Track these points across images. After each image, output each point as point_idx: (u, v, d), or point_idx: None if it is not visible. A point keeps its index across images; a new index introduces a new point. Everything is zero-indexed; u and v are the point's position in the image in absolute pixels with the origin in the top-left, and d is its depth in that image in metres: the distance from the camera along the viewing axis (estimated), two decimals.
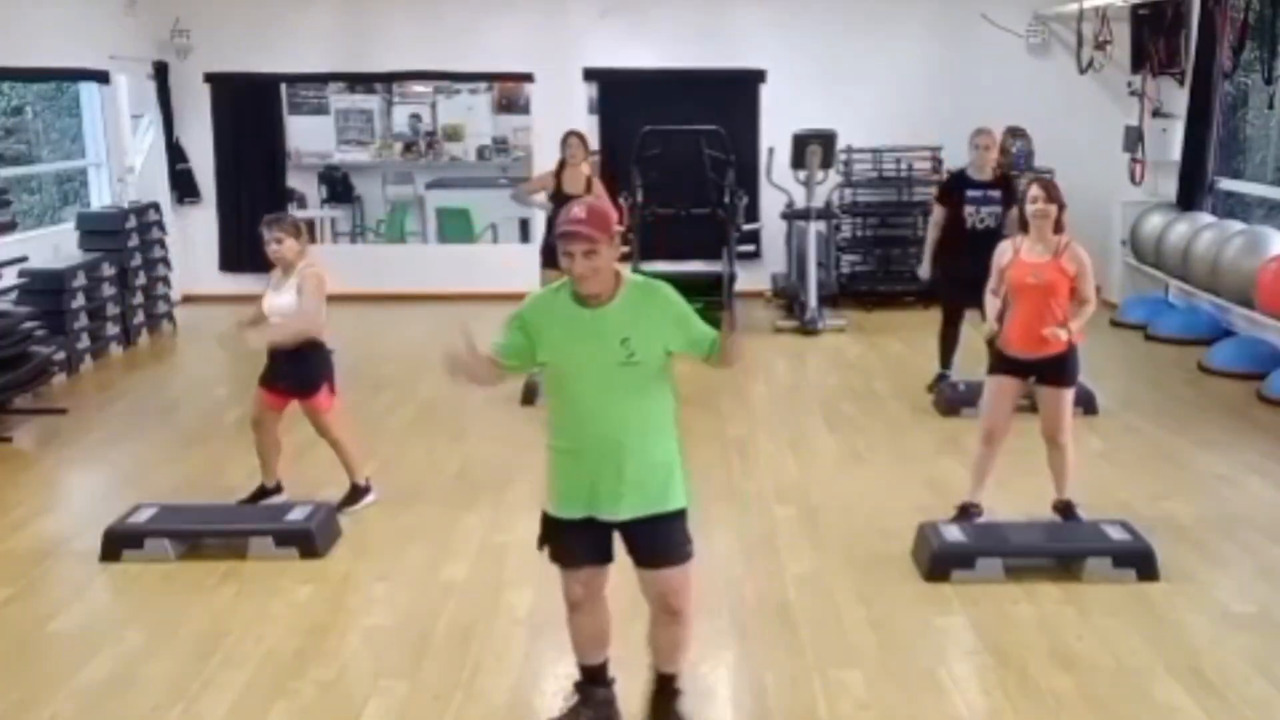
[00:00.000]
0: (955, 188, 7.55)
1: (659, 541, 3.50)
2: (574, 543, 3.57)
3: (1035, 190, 5.11)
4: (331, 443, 5.70)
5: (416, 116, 13.60)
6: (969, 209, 7.36)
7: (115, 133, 10.44)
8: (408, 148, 13.53)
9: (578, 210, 3.40)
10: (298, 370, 5.52)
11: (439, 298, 11.15)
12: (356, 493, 5.75)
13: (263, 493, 5.69)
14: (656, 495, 3.47)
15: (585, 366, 3.44)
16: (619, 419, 3.44)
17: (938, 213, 7.63)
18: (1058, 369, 5.12)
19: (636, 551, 3.54)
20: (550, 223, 8.08)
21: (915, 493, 5.89)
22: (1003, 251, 5.25)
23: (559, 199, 7.96)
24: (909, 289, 10.91)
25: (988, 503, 5.40)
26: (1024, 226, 5.16)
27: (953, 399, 7.35)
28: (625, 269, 3.58)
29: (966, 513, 5.32)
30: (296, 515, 5.30)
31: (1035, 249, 5.11)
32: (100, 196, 10.49)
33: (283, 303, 5.44)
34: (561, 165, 8.08)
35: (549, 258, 8.10)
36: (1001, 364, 5.24)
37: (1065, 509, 5.34)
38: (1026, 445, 5.56)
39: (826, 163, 10.19)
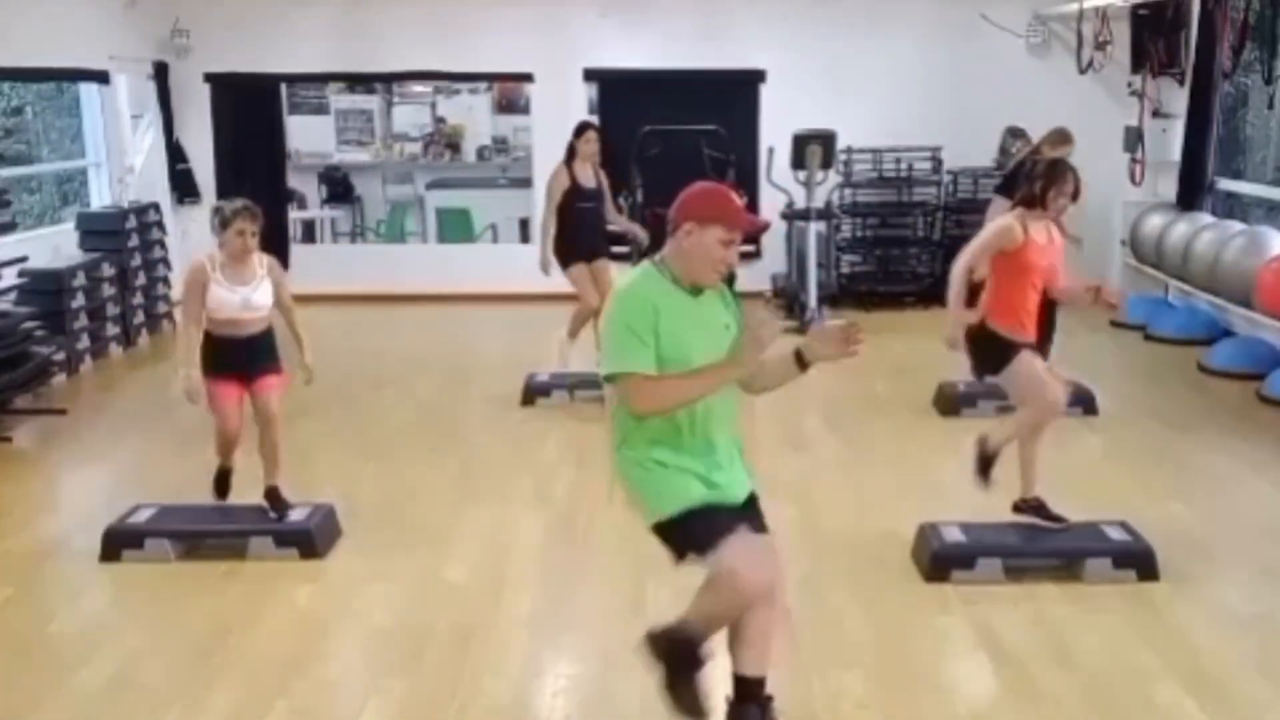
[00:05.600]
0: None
1: None
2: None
3: (1070, 185, 4.90)
4: (277, 428, 5.30)
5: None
6: None
7: (115, 133, 10.44)
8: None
9: (737, 198, 3.32)
10: (273, 350, 5.30)
11: (439, 298, 11.16)
12: (279, 497, 5.37)
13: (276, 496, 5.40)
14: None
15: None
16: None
17: (1003, 206, 6.68)
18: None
19: None
20: (576, 216, 7.76)
21: (915, 493, 5.89)
22: (1009, 228, 4.86)
23: (576, 194, 7.73)
24: (909, 289, 10.93)
25: (988, 502, 5.39)
26: (1033, 204, 4.90)
27: (953, 399, 7.35)
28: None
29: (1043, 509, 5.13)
30: (296, 515, 5.30)
31: (1039, 230, 4.92)
32: (100, 196, 10.48)
33: (260, 297, 5.17)
34: (571, 157, 7.79)
35: (579, 253, 7.78)
36: (1005, 352, 4.98)
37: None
38: None
39: (826, 163, 10.19)
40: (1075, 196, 4.98)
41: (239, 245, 5.10)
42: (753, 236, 10.28)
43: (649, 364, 3.16)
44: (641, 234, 8.20)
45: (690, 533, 3.27)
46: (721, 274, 3.33)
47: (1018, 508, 5.13)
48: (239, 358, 5.19)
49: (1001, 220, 5.00)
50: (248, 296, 5.14)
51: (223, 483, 5.49)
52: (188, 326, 5.21)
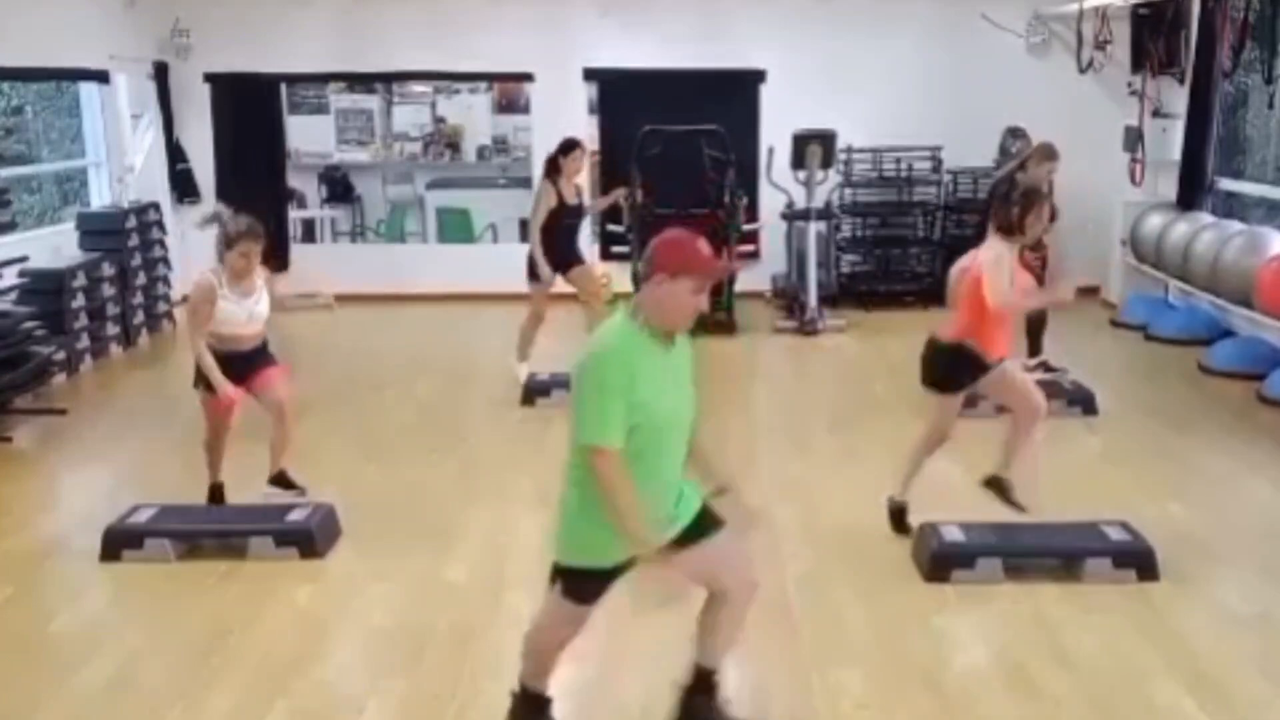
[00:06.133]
0: None
1: None
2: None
3: (1046, 210, 5.06)
4: (290, 416, 5.56)
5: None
6: None
7: (115, 133, 10.45)
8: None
9: (706, 246, 3.38)
10: (269, 351, 5.52)
11: (439, 298, 11.16)
12: (288, 479, 5.67)
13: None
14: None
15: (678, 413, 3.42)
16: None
17: None
18: None
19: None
20: (559, 234, 7.82)
21: (915, 493, 5.87)
22: (1001, 256, 4.97)
23: (563, 212, 7.79)
24: (909, 289, 10.92)
25: (988, 502, 5.40)
26: (1011, 230, 4.99)
27: None
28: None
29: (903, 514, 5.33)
30: (296, 515, 5.30)
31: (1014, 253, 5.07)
32: (100, 196, 10.49)
33: (262, 309, 5.37)
34: (557, 173, 7.78)
35: (551, 266, 7.82)
36: (975, 374, 5.09)
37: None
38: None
39: (826, 163, 10.19)
40: (1052, 219, 5.08)
41: (242, 265, 5.25)
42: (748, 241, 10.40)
43: (619, 438, 3.23)
44: (621, 195, 8.76)
45: (577, 583, 3.48)
46: (693, 320, 3.39)
47: (987, 482, 5.25)
48: (237, 371, 5.33)
49: (997, 248, 5.01)
50: (252, 309, 5.32)
51: (217, 498, 5.63)
52: (198, 342, 5.28)
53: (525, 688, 3.67)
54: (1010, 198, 5.07)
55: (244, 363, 5.37)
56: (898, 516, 5.37)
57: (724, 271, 3.42)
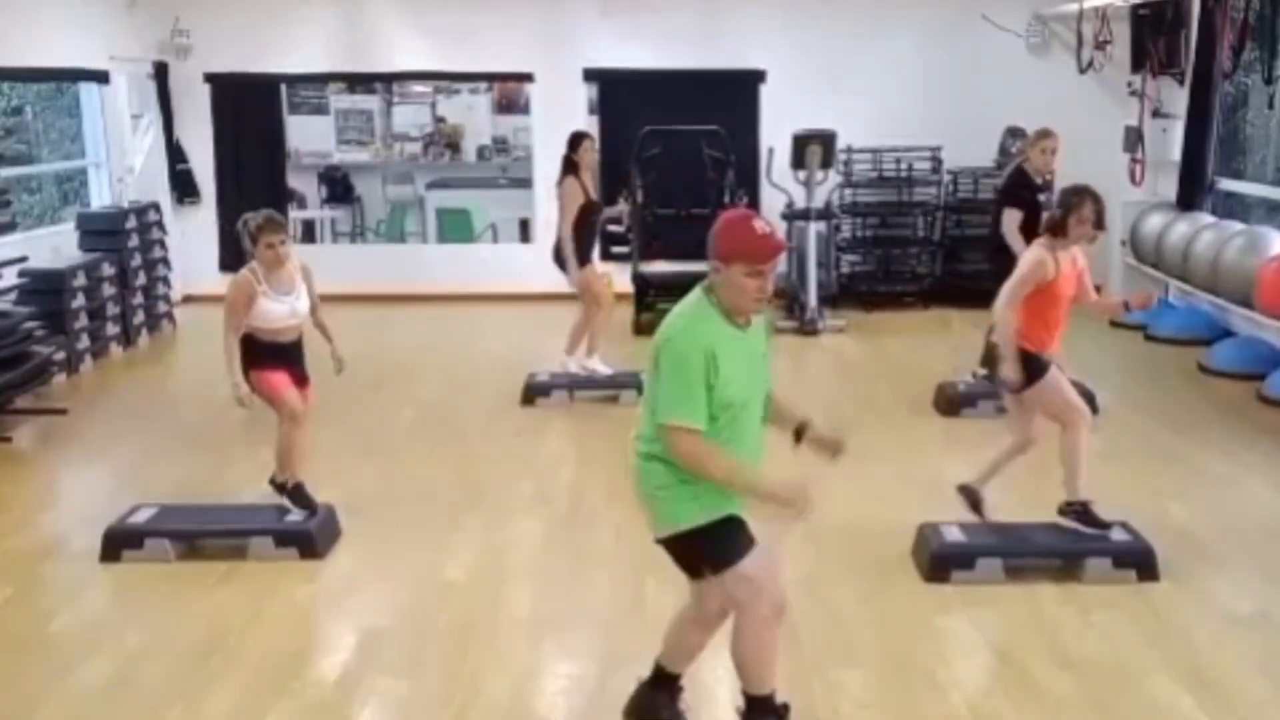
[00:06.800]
0: (1027, 187, 7.21)
1: None
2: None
3: (1090, 212, 4.91)
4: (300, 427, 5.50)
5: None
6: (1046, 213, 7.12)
7: (115, 133, 10.45)
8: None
9: (767, 225, 3.35)
10: (304, 357, 5.48)
11: (439, 298, 11.16)
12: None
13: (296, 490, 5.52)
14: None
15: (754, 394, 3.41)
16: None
17: (1016, 217, 6.99)
18: None
19: None
20: (588, 229, 7.83)
21: (915, 493, 5.89)
22: (1042, 262, 4.92)
23: (590, 207, 7.78)
24: (909, 289, 10.93)
25: (988, 502, 5.40)
26: (1055, 232, 4.96)
27: (953, 399, 7.35)
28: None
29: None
30: (296, 516, 5.31)
31: (1066, 259, 4.99)
32: (100, 196, 10.49)
33: (303, 305, 5.33)
34: (576, 169, 7.72)
35: (586, 258, 7.86)
36: (1034, 372, 5.04)
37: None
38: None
39: (826, 163, 10.19)
40: (1099, 224, 4.98)
41: (271, 257, 5.21)
42: None
43: (701, 418, 3.23)
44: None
45: (713, 542, 3.36)
46: (761, 302, 3.35)
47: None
48: (285, 356, 5.33)
49: (1035, 254, 5.00)
50: (293, 305, 5.30)
51: (302, 499, 5.41)
52: (229, 338, 5.25)
53: (753, 697, 3.58)
54: (1059, 200, 5.02)
55: (289, 354, 5.35)
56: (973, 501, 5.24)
57: (778, 251, 3.36)
